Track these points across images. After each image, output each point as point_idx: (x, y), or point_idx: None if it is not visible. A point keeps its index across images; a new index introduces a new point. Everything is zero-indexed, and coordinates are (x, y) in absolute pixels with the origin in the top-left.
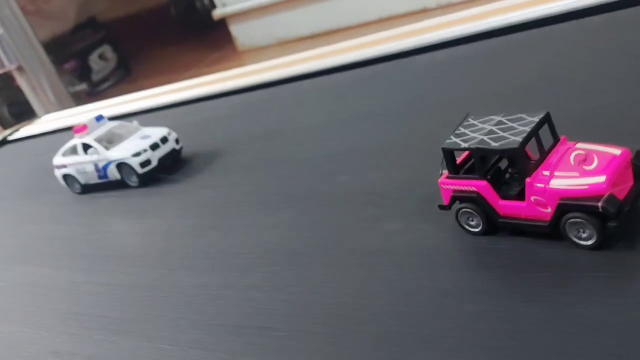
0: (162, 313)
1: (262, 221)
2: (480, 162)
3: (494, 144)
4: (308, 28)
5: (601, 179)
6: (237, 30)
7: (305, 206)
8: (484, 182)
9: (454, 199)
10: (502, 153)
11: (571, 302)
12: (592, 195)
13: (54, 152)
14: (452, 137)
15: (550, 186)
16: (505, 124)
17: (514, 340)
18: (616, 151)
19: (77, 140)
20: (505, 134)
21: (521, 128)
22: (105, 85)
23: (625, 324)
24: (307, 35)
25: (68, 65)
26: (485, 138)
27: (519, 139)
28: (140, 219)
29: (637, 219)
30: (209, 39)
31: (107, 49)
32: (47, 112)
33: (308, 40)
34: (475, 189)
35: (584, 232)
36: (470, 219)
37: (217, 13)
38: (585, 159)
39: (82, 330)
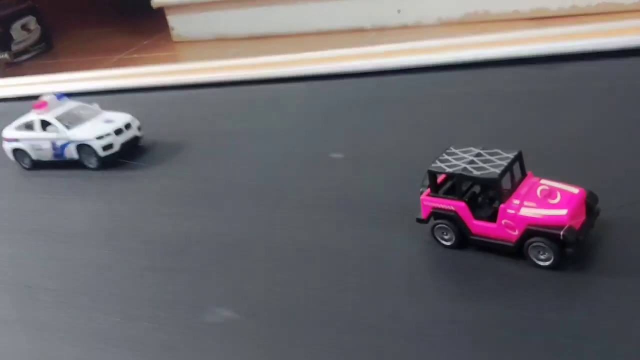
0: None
1: (210, 212)
2: (459, 185)
3: (476, 173)
4: (246, 29)
5: (563, 212)
6: (175, 21)
7: (260, 203)
8: (462, 203)
9: (432, 215)
10: (484, 182)
11: (525, 309)
12: (555, 224)
13: None
14: (437, 161)
15: (520, 213)
16: (483, 156)
17: (472, 336)
18: (575, 190)
19: (35, 116)
20: (484, 165)
21: (498, 162)
22: (26, 56)
23: (568, 328)
24: (244, 36)
25: None
26: (468, 166)
27: (498, 170)
28: (95, 200)
29: (587, 247)
30: (141, 25)
31: (31, 20)
32: None
33: (245, 41)
34: (453, 208)
35: (543, 254)
36: (445, 233)
37: (156, 1)
38: (550, 194)
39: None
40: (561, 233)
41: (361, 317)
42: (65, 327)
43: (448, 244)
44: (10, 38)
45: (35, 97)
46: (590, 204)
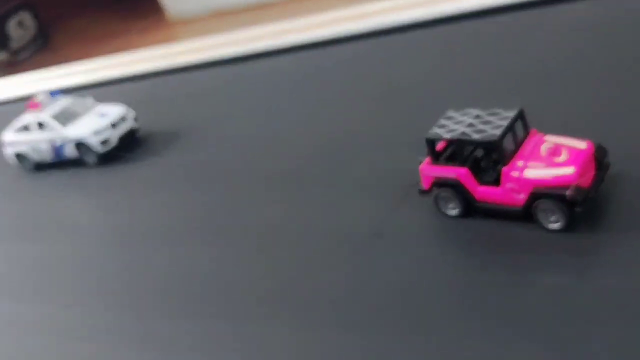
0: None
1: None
2: (460, 151)
3: (475, 136)
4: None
5: (570, 170)
6: (167, 0)
7: (263, 187)
8: (464, 169)
9: (434, 184)
10: (483, 144)
11: (539, 275)
12: (562, 184)
13: None
14: (435, 128)
15: (525, 175)
16: (482, 117)
17: (483, 304)
18: (582, 145)
19: (30, 118)
20: (484, 127)
21: (498, 122)
22: (25, 54)
23: (585, 292)
24: (240, 8)
25: None
26: (466, 130)
27: (498, 132)
28: (95, 196)
29: (598, 204)
30: (136, 8)
31: (25, 16)
32: None
33: (243, 14)
34: (456, 176)
35: (552, 217)
36: (449, 202)
37: None
38: (555, 151)
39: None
40: (568, 193)
41: (365, 295)
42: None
43: (453, 213)
44: (8, 37)
45: (32, 96)
46: (599, 158)
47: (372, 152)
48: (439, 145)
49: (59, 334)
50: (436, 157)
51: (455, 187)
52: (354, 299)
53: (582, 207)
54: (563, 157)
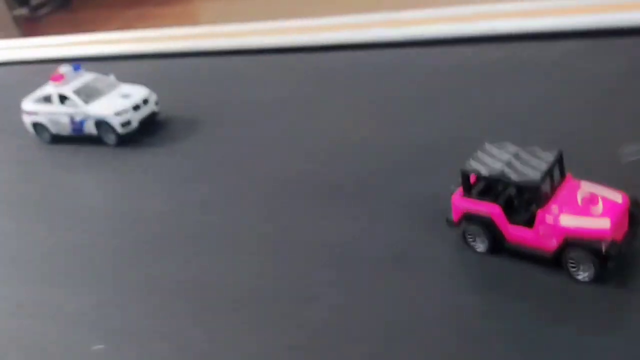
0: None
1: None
2: (495, 187)
3: (515, 177)
4: None
5: (606, 223)
6: None
7: (287, 194)
8: (497, 207)
9: (464, 217)
10: (523, 187)
11: (563, 330)
12: (597, 236)
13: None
14: (472, 161)
15: (560, 222)
16: (521, 157)
17: (497, 354)
18: (618, 198)
19: (52, 89)
20: (523, 168)
21: (537, 163)
22: (44, 10)
23: (608, 350)
24: None
25: None
26: (505, 169)
27: (539, 175)
28: (110, 178)
29: (629, 260)
30: None
31: None
32: None
33: None
34: (488, 212)
35: (582, 267)
36: (477, 238)
37: None
38: (591, 200)
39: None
40: (603, 247)
41: (388, 322)
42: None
43: (479, 249)
44: None
45: (53, 61)
46: (634, 212)
47: (404, 171)
48: (473, 178)
49: (66, 318)
50: (469, 189)
51: (486, 224)
52: (363, 322)
53: (614, 262)
54: (599, 208)
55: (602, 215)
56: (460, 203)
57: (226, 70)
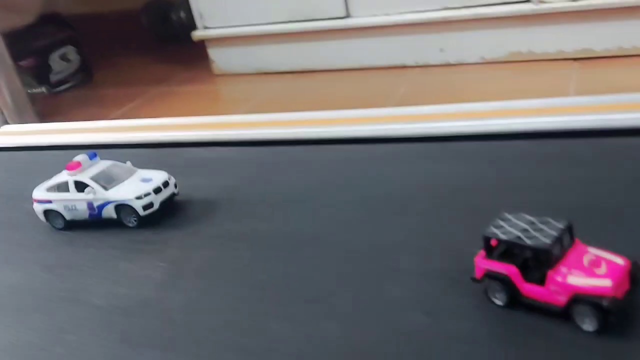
0: None
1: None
2: (512, 251)
3: (529, 242)
4: (288, 64)
5: (608, 282)
6: (215, 54)
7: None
8: (514, 268)
9: (486, 275)
10: (535, 250)
11: None
12: (600, 294)
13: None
14: (492, 227)
15: (568, 281)
16: (536, 225)
17: None
18: (620, 261)
19: (68, 177)
20: (536, 234)
21: (549, 231)
22: (64, 87)
23: None
24: (286, 71)
25: (26, 63)
26: (521, 235)
27: (549, 240)
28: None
29: (630, 315)
30: (182, 57)
31: (70, 50)
32: (2, 116)
33: (286, 76)
34: (506, 272)
35: (587, 319)
36: (497, 293)
37: (197, 34)
38: (595, 263)
39: None
40: (604, 303)
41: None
42: None
43: (500, 303)
44: (49, 69)
45: (66, 147)
46: (635, 274)
47: (436, 248)
48: (493, 242)
49: None
50: (490, 252)
51: (504, 281)
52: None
53: (614, 317)
54: (602, 269)
55: (605, 275)
56: (483, 263)
57: (243, 160)
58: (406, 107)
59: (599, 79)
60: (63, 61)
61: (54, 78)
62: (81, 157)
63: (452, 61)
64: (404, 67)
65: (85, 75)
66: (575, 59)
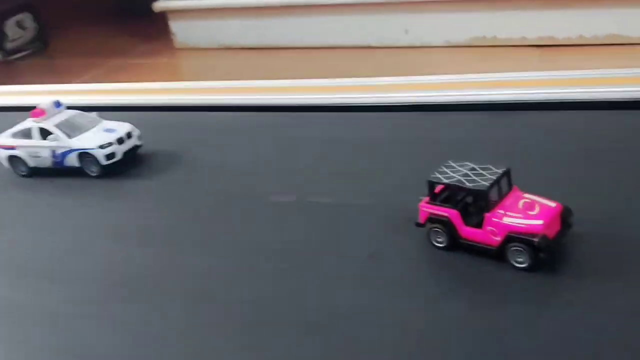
0: None
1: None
2: (454, 196)
3: (468, 185)
4: (251, 40)
5: (539, 222)
6: (177, 27)
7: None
8: (455, 211)
9: (428, 220)
10: (473, 193)
11: (499, 304)
12: (531, 232)
13: None
14: (436, 172)
15: (503, 222)
16: (477, 170)
17: (449, 329)
18: (552, 204)
19: (33, 124)
20: (476, 179)
21: (488, 176)
22: (19, 55)
23: (541, 328)
24: (248, 46)
25: None
26: (461, 178)
27: (487, 184)
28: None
29: (558, 253)
30: (142, 29)
31: (27, 17)
32: None
33: (248, 52)
34: (447, 215)
35: (520, 257)
36: (439, 236)
37: (158, 6)
38: (530, 206)
39: None
40: (535, 240)
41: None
42: None
43: (441, 245)
44: (4, 35)
45: (26, 108)
46: (566, 217)
47: (385, 189)
48: (438, 189)
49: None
50: (434, 197)
51: (445, 224)
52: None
53: (545, 253)
54: (535, 211)
55: (537, 216)
56: (426, 208)
57: (203, 124)
58: (363, 79)
59: (559, 66)
60: (19, 28)
61: (9, 45)
62: (46, 104)
63: (416, 43)
64: (368, 47)
65: (41, 43)
66: (537, 46)
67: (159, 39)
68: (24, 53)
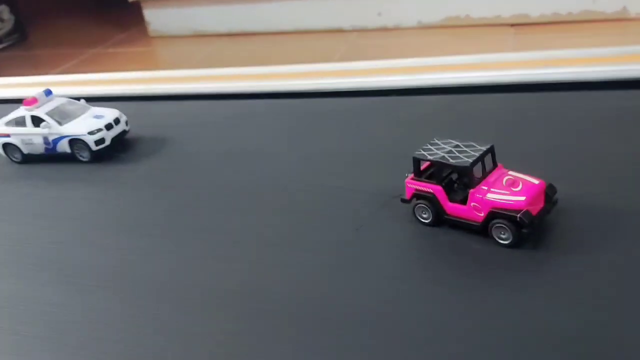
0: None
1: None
2: (439, 172)
3: (452, 161)
4: (225, 26)
5: (522, 198)
6: (151, 16)
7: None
8: (439, 187)
9: (414, 196)
10: (458, 169)
11: (483, 280)
12: (514, 208)
13: None
14: (421, 149)
15: (487, 198)
16: (461, 147)
17: (432, 300)
18: (535, 181)
19: (25, 112)
20: (460, 155)
21: (472, 153)
22: None
23: (523, 304)
24: (222, 33)
25: None
26: (445, 155)
27: (470, 160)
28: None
29: (542, 229)
30: (117, 17)
31: (4, 9)
32: None
33: (224, 38)
34: (432, 191)
35: (503, 234)
36: (424, 212)
37: None
38: (513, 183)
39: None
40: (518, 215)
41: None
42: None
43: (426, 221)
44: None
45: (8, 101)
46: (549, 194)
47: (371, 167)
48: (423, 165)
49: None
50: (419, 174)
51: (430, 200)
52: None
53: (528, 229)
54: (519, 188)
55: (520, 193)
56: (412, 184)
57: (186, 113)
58: (340, 63)
59: (534, 44)
60: None
61: None
62: (37, 93)
63: (389, 25)
64: (341, 30)
65: (20, 35)
66: (511, 25)
67: (133, 28)
68: (2, 45)
